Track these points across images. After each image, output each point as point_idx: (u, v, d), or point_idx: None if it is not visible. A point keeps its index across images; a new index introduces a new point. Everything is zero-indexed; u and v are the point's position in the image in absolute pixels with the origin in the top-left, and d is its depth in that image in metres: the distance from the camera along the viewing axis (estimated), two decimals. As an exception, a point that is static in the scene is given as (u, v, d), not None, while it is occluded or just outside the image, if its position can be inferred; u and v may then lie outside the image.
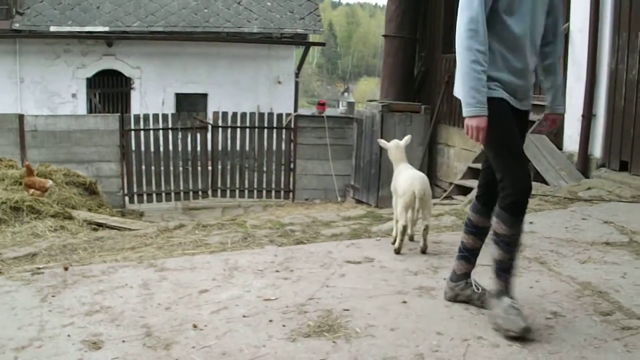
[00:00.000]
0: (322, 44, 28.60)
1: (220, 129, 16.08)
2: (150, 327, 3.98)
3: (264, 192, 16.38)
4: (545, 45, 4.16)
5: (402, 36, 16.48)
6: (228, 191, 16.24)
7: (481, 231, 4.26)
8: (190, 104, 20.21)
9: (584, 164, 10.22)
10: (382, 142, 6.34)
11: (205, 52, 20.72)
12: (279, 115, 16.41)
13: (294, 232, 7.05)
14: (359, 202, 15.52)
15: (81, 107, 20.39)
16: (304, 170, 16.35)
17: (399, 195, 5.75)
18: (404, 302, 4.42)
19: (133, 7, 20.60)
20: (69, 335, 3.87)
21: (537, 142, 10.66)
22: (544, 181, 10.01)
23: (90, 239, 7.48)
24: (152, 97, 20.54)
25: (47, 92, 20.32)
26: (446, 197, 12.24)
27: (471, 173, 12.17)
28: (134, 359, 3.57)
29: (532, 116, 11.49)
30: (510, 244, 3.93)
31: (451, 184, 13.02)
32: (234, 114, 16.09)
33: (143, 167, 15.73)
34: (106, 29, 20.00)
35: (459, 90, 3.89)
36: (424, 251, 5.63)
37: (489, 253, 4.08)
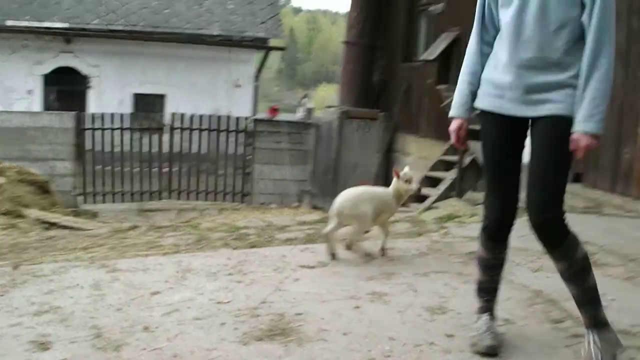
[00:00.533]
0: (283, 49, 28.54)
1: (177, 131, 15.99)
2: (101, 328, 3.94)
3: (220, 195, 16.32)
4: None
5: (362, 43, 16.58)
6: (184, 193, 16.15)
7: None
8: (148, 105, 20.06)
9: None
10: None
11: (165, 52, 20.59)
12: (237, 119, 16.36)
13: (248, 236, 7.04)
14: (315, 207, 15.52)
15: (37, 104, 20.09)
16: (261, 174, 16.32)
17: None
18: (357, 307, 4.43)
19: (93, 4, 20.39)
20: (16, 336, 3.81)
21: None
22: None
23: (42, 238, 7.41)
24: (109, 97, 20.31)
25: (2, 88, 19.99)
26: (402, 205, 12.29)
27: (427, 181, 12.25)
28: (82, 360, 3.54)
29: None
30: (487, 267, 3.94)
31: (407, 192, 13.06)
32: (192, 116, 16.03)
33: (98, 167, 15.58)
34: (65, 25, 19.74)
35: None
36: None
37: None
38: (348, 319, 4.19)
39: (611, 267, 5.58)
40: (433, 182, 11.99)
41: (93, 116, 15.74)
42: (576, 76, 3.46)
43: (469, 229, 7.20)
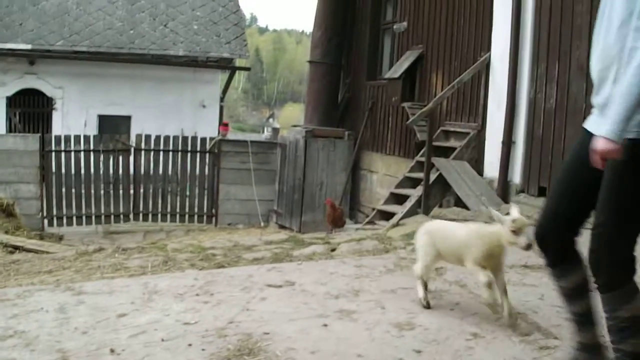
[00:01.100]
0: (248, 69, 28.61)
1: (143, 152, 15.91)
2: (66, 352, 3.91)
3: (187, 216, 16.24)
4: None
5: (327, 62, 16.63)
6: (150, 215, 16.04)
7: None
8: (113, 126, 19.93)
9: (504, 189, 10.46)
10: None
11: (130, 73, 20.51)
12: (203, 139, 16.32)
13: (215, 256, 7.02)
14: (282, 227, 15.53)
15: (1, 127, 19.91)
16: (227, 194, 16.27)
17: None
18: (325, 325, 4.43)
19: (57, 26, 20.29)
20: (-20, 361, 3.77)
21: (459, 168, 10.85)
22: (465, 206, 10.19)
23: (6, 262, 7.34)
24: (74, 118, 20.18)
25: (-34, 110, 19.84)
26: (369, 222, 12.34)
27: (393, 199, 12.31)
28: (48, 384, 3.50)
29: (454, 143, 11.75)
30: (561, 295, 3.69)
31: (374, 209, 13.12)
32: (157, 137, 15.94)
33: (63, 189, 15.44)
34: (29, 46, 19.61)
35: None
36: None
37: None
38: (316, 337, 4.19)
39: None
40: (399, 199, 12.03)
41: (58, 138, 15.59)
42: None
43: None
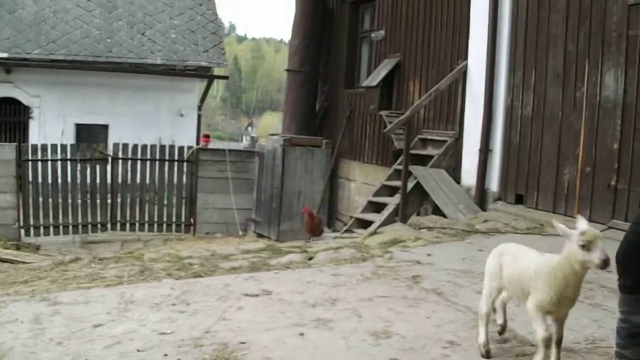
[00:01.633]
0: (226, 77, 28.56)
1: (120, 161, 15.83)
2: (41, 363, 3.88)
3: (165, 225, 16.16)
4: None
5: (305, 71, 16.65)
6: (128, 224, 15.95)
7: None
8: (90, 135, 19.83)
9: (481, 197, 10.52)
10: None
11: (107, 82, 20.41)
12: (180, 148, 16.27)
13: (192, 266, 7.00)
14: (260, 235, 15.50)
15: (-24, 136, 19.79)
16: (205, 203, 16.22)
17: None
18: (301, 334, 4.43)
19: (34, 34, 20.17)
20: (-47, 372, 3.73)
21: (436, 176, 10.89)
22: (442, 214, 10.23)
23: (-19, 273, 7.27)
24: (51, 127, 20.06)
25: (-60, 119, 19.67)
26: (346, 231, 12.35)
27: (371, 207, 12.34)
28: (21, 396, 3.47)
29: (431, 151, 11.79)
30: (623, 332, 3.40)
31: (352, 217, 13.14)
32: (135, 146, 15.88)
33: (40, 198, 15.31)
34: (5, 55, 19.47)
35: None
36: None
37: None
38: (292, 346, 4.19)
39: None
40: (377, 207, 12.05)
41: (35, 147, 15.49)
42: None
43: (412, 254, 7.26)
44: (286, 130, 16.76)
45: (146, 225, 16.02)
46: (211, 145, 17.77)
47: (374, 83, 13.71)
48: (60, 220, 15.45)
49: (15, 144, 15.84)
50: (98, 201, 15.68)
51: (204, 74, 22.05)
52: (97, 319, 4.73)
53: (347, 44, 16.29)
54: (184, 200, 16.27)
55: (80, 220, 15.57)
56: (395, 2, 13.92)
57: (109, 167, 15.74)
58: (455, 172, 11.25)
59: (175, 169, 16.15)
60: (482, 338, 4.05)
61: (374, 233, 9.64)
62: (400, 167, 11.30)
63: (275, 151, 15.28)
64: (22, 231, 15.15)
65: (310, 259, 7.37)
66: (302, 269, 6.70)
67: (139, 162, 15.88)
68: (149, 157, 15.93)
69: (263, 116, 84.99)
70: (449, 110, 11.88)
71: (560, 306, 3.58)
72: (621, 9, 8.37)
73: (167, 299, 5.26)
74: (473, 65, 11.05)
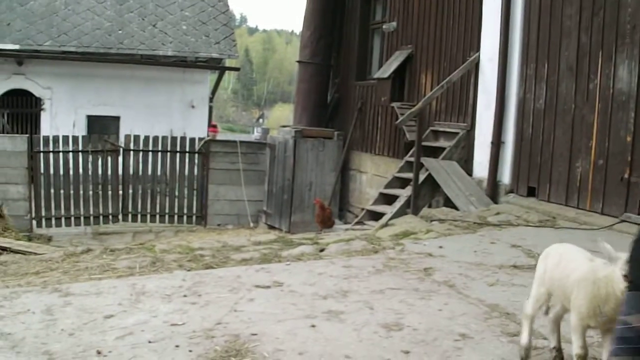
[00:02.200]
0: (237, 69, 28.58)
1: (132, 153, 15.85)
2: (53, 354, 3.88)
3: (176, 217, 16.19)
4: None
5: (316, 62, 16.63)
6: (139, 216, 15.98)
7: None
8: (102, 127, 19.85)
9: (493, 189, 10.48)
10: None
11: (119, 74, 20.44)
12: (192, 140, 16.28)
13: (203, 257, 7.00)
14: (271, 227, 15.51)
15: (-12, 128, 19.85)
16: (217, 195, 16.24)
17: None
18: (313, 326, 4.42)
19: (45, 26, 20.21)
20: (-35, 363, 3.74)
21: (448, 168, 10.85)
22: (454, 206, 10.19)
23: (-7, 264, 7.28)
24: (63, 119, 20.11)
25: (-47, 111, 19.74)
26: (358, 223, 12.33)
27: (383, 199, 12.31)
28: (33, 386, 3.47)
29: (443, 143, 11.75)
30: None
31: (363, 209, 13.12)
32: (146, 138, 15.89)
33: (52, 190, 15.36)
34: (17, 47, 19.52)
35: None
36: None
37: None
38: (304, 338, 4.17)
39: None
40: (389, 199, 12.03)
41: (46, 139, 15.52)
42: None
43: (424, 246, 7.24)
44: (297, 122, 16.74)
45: (157, 216, 16.05)
46: (223, 137, 17.78)
47: (386, 75, 13.67)
48: (72, 212, 15.49)
49: (27, 135, 15.89)
50: (109, 192, 15.72)
51: (215, 65, 22.05)
52: (108, 310, 4.73)
53: (359, 35, 16.25)
54: (195, 192, 16.29)
55: (91, 212, 15.62)
56: (407, -6, 13.88)
57: (120, 159, 15.76)
58: (467, 164, 11.21)
59: (187, 160, 16.17)
60: (524, 340, 3.77)
61: (386, 225, 9.62)
62: (412, 159, 11.27)
63: (286, 143, 15.26)
64: (34, 222, 15.20)
65: (322, 250, 7.36)
66: (313, 260, 6.69)
67: (150, 153, 15.90)
68: (160, 148, 15.95)
69: (274, 108, 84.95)
70: (461, 102, 11.83)
71: (602, 321, 3.27)
72: (635, 0, 8.30)
73: (179, 290, 5.26)
74: (485, 57, 11.00)
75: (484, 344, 4.12)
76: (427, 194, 11.20)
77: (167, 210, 16.10)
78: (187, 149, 16.12)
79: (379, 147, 14.50)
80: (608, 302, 3.19)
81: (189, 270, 6.19)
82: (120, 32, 20.80)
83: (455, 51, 12.06)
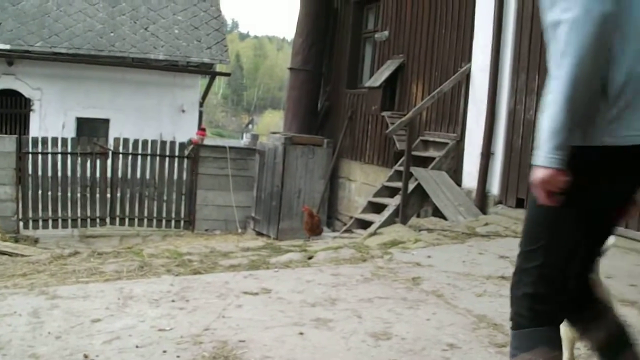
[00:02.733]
0: (228, 75, 28.59)
1: (120, 156, 15.81)
2: (39, 357, 3.86)
3: (164, 221, 16.14)
4: None
5: (308, 70, 16.65)
6: (127, 219, 15.93)
7: None
8: (91, 129, 19.80)
9: (482, 200, 10.50)
10: None
11: (109, 76, 20.41)
12: (181, 144, 16.26)
13: (191, 262, 6.98)
14: (259, 233, 15.49)
15: (-23, 128, 19.77)
16: (205, 200, 16.21)
17: None
18: (301, 333, 4.41)
19: (36, 27, 20.16)
20: (-50, 365, 3.72)
21: (437, 178, 10.88)
22: (443, 216, 10.21)
23: (-20, 265, 7.25)
24: (52, 120, 20.04)
25: (-59, 110, 19.66)
26: (346, 231, 12.34)
27: (371, 207, 12.32)
28: (19, 389, 3.45)
29: (433, 153, 11.77)
30: None
31: (352, 217, 13.12)
32: (135, 141, 15.86)
33: (40, 191, 15.29)
34: (7, 47, 19.47)
35: None
36: None
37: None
38: (292, 346, 4.16)
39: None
40: (377, 208, 12.04)
41: (35, 140, 15.46)
42: None
43: (412, 255, 7.24)
44: (287, 128, 16.75)
45: (145, 220, 16.00)
46: (212, 142, 17.76)
47: (377, 84, 13.69)
48: (59, 214, 15.43)
49: (15, 136, 15.82)
50: (97, 195, 15.66)
51: (206, 70, 22.06)
52: (96, 313, 4.71)
53: (351, 43, 16.28)
54: (183, 197, 16.26)
55: (79, 214, 15.56)
56: (399, 3, 13.90)
57: (109, 162, 15.71)
58: (456, 174, 11.23)
59: (176, 164, 16.13)
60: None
61: (374, 234, 9.62)
62: (401, 168, 11.28)
63: (276, 149, 15.26)
64: (21, 224, 15.13)
65: (310, 258, 7.35)
66: (301, 268, 6.68)
67: (139, 157, 15.86)
68: (149, 152, 15.91)
69: (264, 114, 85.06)
70: (452, 112, 11.86)
71: None
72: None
73: (167, 295, 5.24)
74: (476, 68, 11.03)
75: (472, 354, 4.12)
76: (416, 204, 11.21)
77: (155, 215, 16.05)
78: (177, 154, 16.09)
79: (369, 155, 14.52)
80: None
81: (177, 275, 6.17)
82: (112, 34, 20.78)
83: (447, 61, 12.10)
